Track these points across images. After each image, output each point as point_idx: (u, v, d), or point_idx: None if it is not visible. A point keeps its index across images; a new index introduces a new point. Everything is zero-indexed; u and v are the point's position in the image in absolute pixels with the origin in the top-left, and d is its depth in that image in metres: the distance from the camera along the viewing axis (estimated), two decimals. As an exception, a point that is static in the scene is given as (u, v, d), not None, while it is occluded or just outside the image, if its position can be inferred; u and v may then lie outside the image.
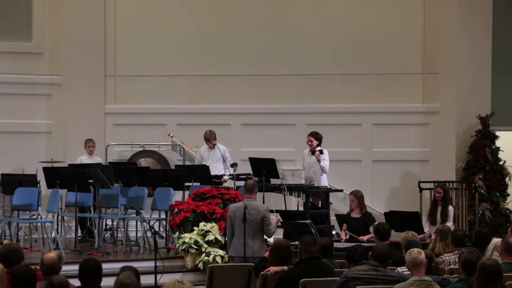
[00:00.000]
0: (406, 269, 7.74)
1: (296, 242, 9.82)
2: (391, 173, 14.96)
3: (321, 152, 13.21)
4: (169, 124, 15.16)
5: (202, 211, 11.79)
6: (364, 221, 11.82)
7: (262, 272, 8.42)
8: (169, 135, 14.89)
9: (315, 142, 13.33)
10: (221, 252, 11.18)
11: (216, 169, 13.83)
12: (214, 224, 11.54)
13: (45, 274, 6.62)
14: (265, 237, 10.27)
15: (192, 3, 15.31)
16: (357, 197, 11.93)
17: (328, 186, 13.53)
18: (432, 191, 13.19)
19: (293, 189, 13.23)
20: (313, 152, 13.26)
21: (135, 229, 13.24)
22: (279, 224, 10.78)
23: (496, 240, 8.55)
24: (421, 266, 6.99)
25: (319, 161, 13.18)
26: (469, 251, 7.63)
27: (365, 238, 11.39)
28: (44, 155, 14.74)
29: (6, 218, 13.22)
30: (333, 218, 13.07)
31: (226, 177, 13.74)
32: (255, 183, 10.43)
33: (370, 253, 7.65)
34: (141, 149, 14.95)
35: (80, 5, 15.03)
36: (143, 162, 14.77)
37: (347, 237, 11.80)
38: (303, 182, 13.57)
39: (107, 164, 14.19)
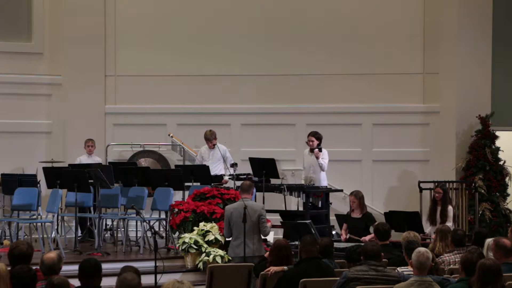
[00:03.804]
0: (406, 269, 7.75)
1: (296, 242, 9.83)
2: (391, 173, 14.96)
3: (320, 150, 13.24)
4: (169, 124, 15.16)
5: (202, 211, 11.79)
6: (364, 221, 11.84)
7: (262, 272, 8.42)
8: (169, 135, 14.90)
9: (315, 142, 13.35)
10: (221, 252, 11.18)
11: (216, 169, 13.85)
12: (214, 224, 11.54)
13: (45, 274, 6.62)
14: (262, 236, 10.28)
15: (192, 3, 15.32)
16: (358, 197, 11.95)
17: (328, 186, 13.54)
18: (432, 191, 13.20)
19: (293, 189, 13.24)
20: (312, 149, 13.27)
21: (135, 229, 13.24)
22: (277, 224, 10.77)
23: (489, 240, 8.54)
24: (426, 269, 6.96)
25: (317, 158, 13.19)
26: (470, 251, 7.63)
27: (367, 238, 11.39)
28: (44, 155, 14.75)
29: (6, 218, 13.22)
30: (333, 218, 13.08)
31: (226, 178, 13.75)
32: (252, 183, 10.42)
33: (361, 257, 7.62)
34: (141, 149, 14.96)
35: (80, 5, 15.03)
36: (143, 162, 14.77)
37: (347, 237, 11.81)
38: (302, 182, 13.57)
39: (107, 164, 14.19)
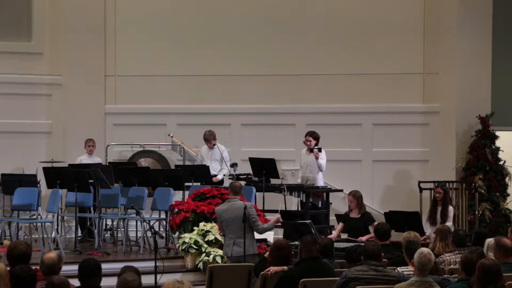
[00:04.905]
0: (406, 269, 7.75)
1: (296, 242, 9.82)
2: (391, 173, 14.96)
3: (319, 150, 13.24)
4: (169, 124, 15.17)
5: (202, 211, 11.80)
6: (363, 221, 11.83)
7: (262, 272, 8.41)
8: (169, 135, 14.90)
9: (313, 142, 13.35)
10: (221, 252, 11.17)
11: (216, 169, 13.86)
12: (214, 224, 11.53)
13: (45, 274, 6.61)
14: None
15: (192, 3, 15.32)
16: (356, 197, 11.93)
17: (324, 185, 13.55)
18: (432, 191, 13.20)
19: (293, 189, 13.23)
20: (311, 149, 13.27)
21: (135, 229, 13.25)
22: (279, 224, 10.71)
23: (490, 240, 8.53)
24: (427, 271, 6.94)
25: (316, 158, 13.19)
26: (470, 251, 7.62)
27: (363, 238, 11.38)
28: (44, 155, 14.74)
29: (6, 218, 13.23)
30: (333, 218, 13.08)
31: (219, 176, 13.76)
32: (242, 185, 10.38)
33: (361, 257, 7.61)
34: (141, 149, 14.95)
35: (80, 5, 15.03)
36: (143, 162, 14.77)
37: (341, 237, 11.81)
38: (299, 181, 13.58)
39: (107, 164, 14.19)
